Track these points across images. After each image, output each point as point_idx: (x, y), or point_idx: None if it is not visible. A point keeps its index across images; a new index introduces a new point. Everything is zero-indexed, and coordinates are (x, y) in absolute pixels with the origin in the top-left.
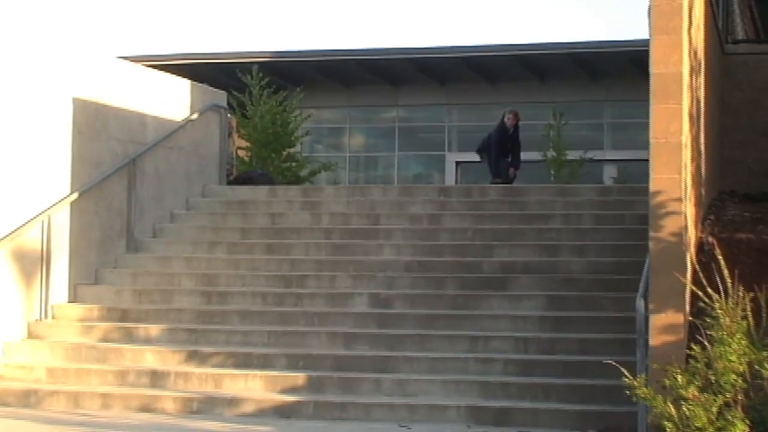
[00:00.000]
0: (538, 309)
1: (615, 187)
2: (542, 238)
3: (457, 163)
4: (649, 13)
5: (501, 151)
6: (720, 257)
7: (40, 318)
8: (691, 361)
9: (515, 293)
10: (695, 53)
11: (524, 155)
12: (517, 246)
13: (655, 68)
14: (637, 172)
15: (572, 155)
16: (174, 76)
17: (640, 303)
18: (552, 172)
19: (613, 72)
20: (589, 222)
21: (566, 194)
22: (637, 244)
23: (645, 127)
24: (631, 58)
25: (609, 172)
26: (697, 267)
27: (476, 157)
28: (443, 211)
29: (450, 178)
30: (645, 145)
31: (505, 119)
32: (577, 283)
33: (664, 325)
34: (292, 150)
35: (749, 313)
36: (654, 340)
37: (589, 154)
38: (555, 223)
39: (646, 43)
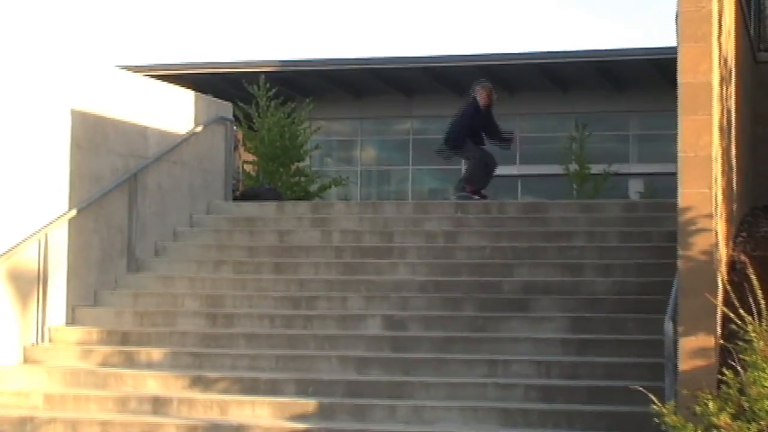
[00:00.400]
0: (560, 331)
1: (641, 203)
2: (565, 256)
3: None
4: (676, 19)
5: (476, 142)
6: (753, 276)
7: (37, 341)
8: (723, 387)
9: (536, 315)
10: (726, 61)
11: (546, 169)
12: (538, 265)
13: (683, 78)
14: (664, 186)
15: (596, 169)
16: (177, 86)
17: (668, 325)
18: (575, 187)
19: (639, 81)
20: (614, 240)
21: (590, 210)
22: (665, 263)
23: (672, 138)
24: (657, 66)
25: (635, 187)
26: (728, 287)
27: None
28: (460, 228)
29: None
30: (673, 158)
31: (477, 97)
32: (601, 304)
33: (693, 348)
34: (300, 164)
35: None
36: (683, 364)
37: (614, 168)
38: (578, 241)
39: (673, 50)
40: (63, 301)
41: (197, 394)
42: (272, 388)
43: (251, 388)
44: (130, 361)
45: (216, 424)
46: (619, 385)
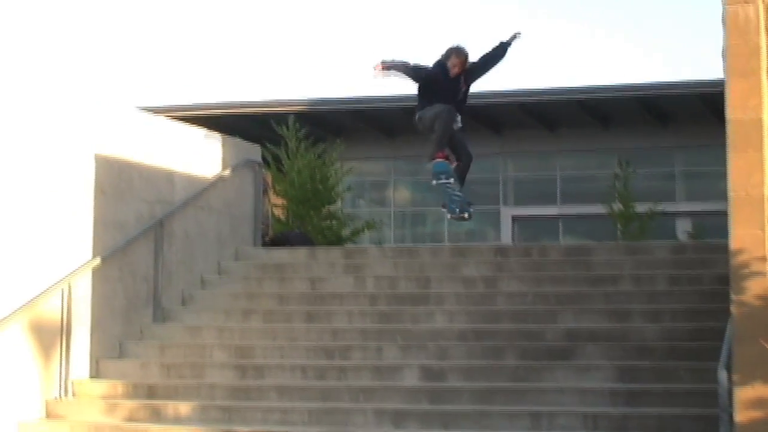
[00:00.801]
0: (607, 381)
1: (690, 244)
2: (611, 301)
3: (514, 218)
4: (723, 54)
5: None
6: None
7: (60, 395)
8: None
9: (582, 364)
10: None
11: (588, 208)
12: (583, 311)
13: (731, 114)
14: (714, 225)
15: (641, 208)
16: (203, 129)
17: (722, 374)
18: (619, 228)
19: (685, 115)
20: (662, 284)
21: (636, 252)
22: (717, 308)
23: (722, 175)
24: (703, 100)
25: (683, 227)
26: None
27: (535, 209)
28: (500, 273)
29: (506, 236)
30: (722, 195)
31: (448, 64)
32: (650, 352)
33: (750, 398)
34: (332, 207)
35: None
36: (739, 415)
37: (660, 207)
38: (624, 286)
39: (720, 83)
40: (87, 353)
41: None
42: None
43: None
44: (157, 416)
45: None
46: None
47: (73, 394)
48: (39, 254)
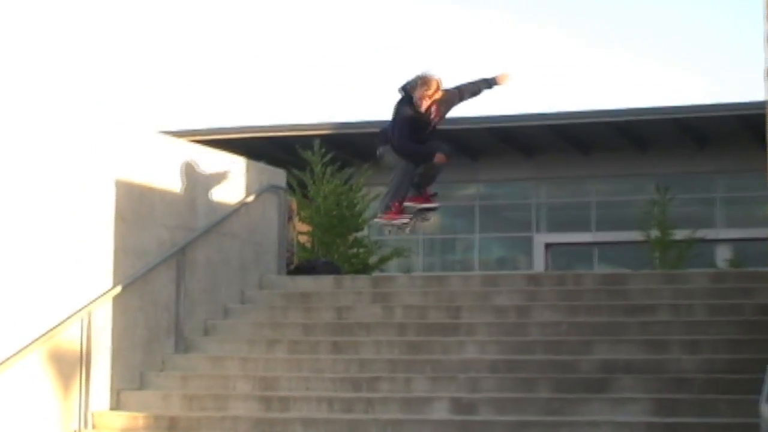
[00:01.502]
0: (644, 414)
1: (731, 272)
2: (648, 332)
3: (547, 245)
4: (766, 74)
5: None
6: None
7: (79, 427)
8: None
9: (618, 396)
10: None
11: (624, 235)
12: (619, 342)
13: None
14: (755, 252)
15: (679, 235)
16: (227, 153)
17: (765, 408)
18: (656, 255)
19: (724, 139)
20: (701, 313)
21: (674, 281)
22: (758, 339)
23: (763, 200)
24: (744, 123)
25: (723, 254)
26: None
27: (569, 236)
28: (533, 302)
29: (539, 263)
30: (764, 222)
31: (415, 97)
32: (689, 385)
33: None
34: (359, 234)
35: None
36: None
37: (699, 234)
38: (662, 315)
39: (762, 105)
40: (107, 384)
41: None
42: None
43: None
44: None
45: None
46: None
47: (93, 426)
48: (58, 282)
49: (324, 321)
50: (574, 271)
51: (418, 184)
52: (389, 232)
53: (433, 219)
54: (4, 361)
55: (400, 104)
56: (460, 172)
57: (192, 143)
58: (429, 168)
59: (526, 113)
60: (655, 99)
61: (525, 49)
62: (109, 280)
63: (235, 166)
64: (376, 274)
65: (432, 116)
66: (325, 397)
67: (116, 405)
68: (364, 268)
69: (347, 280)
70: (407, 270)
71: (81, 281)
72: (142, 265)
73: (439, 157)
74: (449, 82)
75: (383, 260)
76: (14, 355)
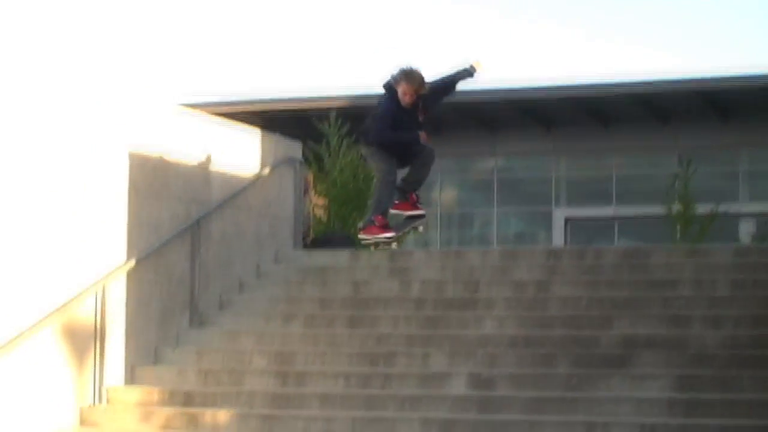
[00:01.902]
0: (665, 390)
1: (754, 247)
2: (669, 307)
3: (567, 219)
4: None
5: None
6: None
7: (94, 402)
8: None
9: (639, 372)
10: None
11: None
12: (640, 317)
13: None
14: None
15: (702, 209)
16: (242, 125)
17: None
18: (678, 230)
19: (750, 111)
20: (724, 288)
21: (697, 255)
22: None
23: None
24: None
25: (746, 229)
26: None
27: (589, 210)
28: (553, 276)
29: (558, 238)
30: None
31: (399, 92)
32: (711, 360)
33: None
34: None
35: None
36: None
37: (723, 208)
38: (684, 290)
39: None
40: (121, 359)
41: None
42: None
43: None
44: (194, 424)
45: None
46: None
47: (108, 401)
48: (71, 256)
49: (341, 295)
50: (595, 246)
51: (404, 188)
52: (374, 248)
53: (450, 195)
54: (17, 336)
55: (384, 99)
56: (478, 145)
57: (207, 115)
58: (416, 169)
59: (546, 85)
60: (678, 70)
61: (541, 20)
62: (123, 254)
63: (251, 138)
64: (393, 248)
65: (417, 113)
66: (342, 373)
67: (131, 380)
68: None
69: (364, 254)
70: (424, 244)
71: (95, 255)
72: (157, 239)
73: (423, 137)
74: (432, 76)
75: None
76: (28, 329)
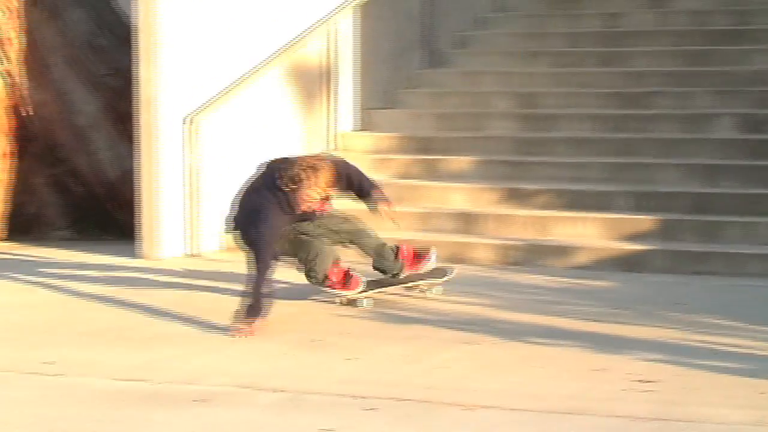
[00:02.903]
0: None
1: None
2: None
3: None
4: None
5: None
6: None
7: (327, 149)
8: None
9: None
10: None
11: None
12: None
13: None
14: None
15: None
16: None
17: None
18: None
19: None
20: None
21: None
22: None
23: None
24: None
25: None
26: None
27: None
28: None
29: None
30: None
31: (291, 196)
32: None
33: None
34: None
35: None
36: None
37: None
38: None
39: None
40: (351, 103)
41: (511, 210)
42: (600, 203)
43: (575, 202)
44: (432, 172)
45: (533, 244)
46: None
47: (340, 148)
48: None
49: (591, 29)
50: None
51: (383, 270)
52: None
53: None
54: (240, 79)
55: (267, 190)
56: None
57: None
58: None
59: None
60: None
61: None
62: None
63: None
64: None
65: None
66: (593, 115)
67: (363, 125)
68: None
69: None
70: None
71: None
72: None
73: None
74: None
75: None
76: (252, 71)
